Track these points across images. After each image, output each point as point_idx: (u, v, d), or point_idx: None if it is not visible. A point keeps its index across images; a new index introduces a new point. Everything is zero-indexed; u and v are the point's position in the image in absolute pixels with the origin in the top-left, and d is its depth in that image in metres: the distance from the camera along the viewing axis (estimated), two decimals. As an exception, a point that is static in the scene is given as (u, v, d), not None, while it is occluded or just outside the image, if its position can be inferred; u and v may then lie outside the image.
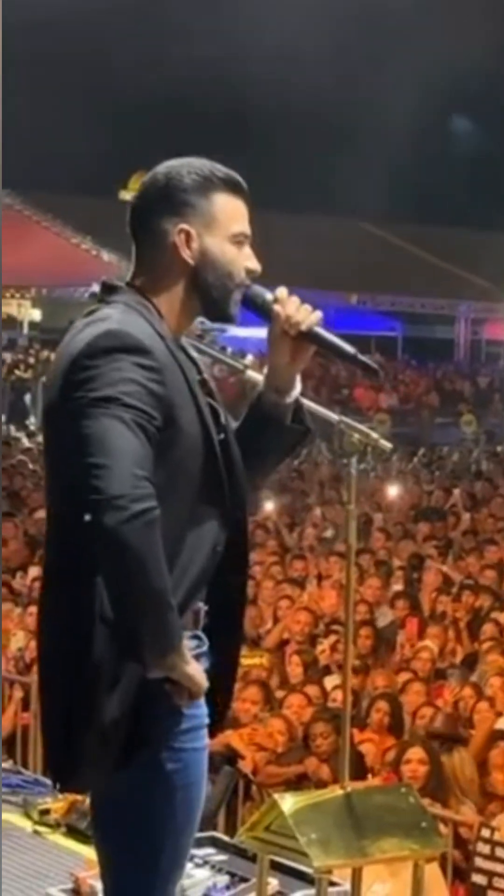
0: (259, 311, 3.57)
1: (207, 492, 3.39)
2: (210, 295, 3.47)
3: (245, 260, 3.49)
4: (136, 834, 3.40)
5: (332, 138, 44.01)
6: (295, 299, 3.57)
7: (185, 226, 3.42)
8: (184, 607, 3.34)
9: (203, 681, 3.33)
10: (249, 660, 9.41)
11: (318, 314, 3.59)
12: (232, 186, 3.49)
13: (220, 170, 3.49)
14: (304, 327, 3.56)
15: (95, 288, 4.73)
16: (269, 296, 3.56)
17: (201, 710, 3.43)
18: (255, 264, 3.51)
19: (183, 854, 3.52)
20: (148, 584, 3.16)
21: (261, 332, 3.70)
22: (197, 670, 3.31)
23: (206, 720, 3.47)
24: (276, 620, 11.37)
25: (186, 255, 3.43)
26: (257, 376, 4.63)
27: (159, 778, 3.37)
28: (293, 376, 3.62)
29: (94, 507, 3.13)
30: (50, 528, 3.47)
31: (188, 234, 3.42)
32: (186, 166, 3.45)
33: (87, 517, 3.15)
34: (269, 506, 16.67)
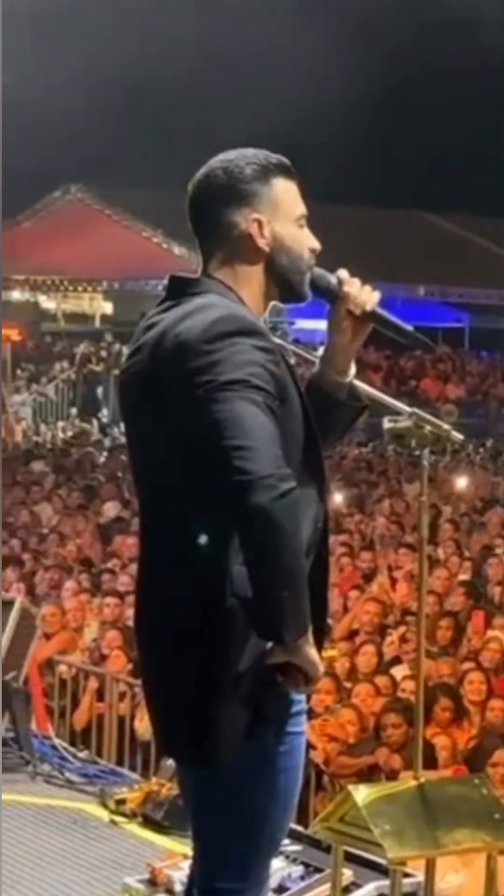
0: (322, 294, 3.65)
1: (308, 469, 3.46)
2: (287, 278, 3.55)
3: (308, 240, 3.58)
4: (239, 815, 3.45)
5: (401, 132, 43.90)
6: (357, 280, 3.67)
7: (256, 215, 3.49)
8: None
9: (322, 666, 3.37)
10: (325, 652, 9.44)
11: (378, 294, 3.68)
12: (286, 170, 3.55)
13: (273, 156, 3.54)
14: (369, 307, 3.66)
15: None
16: (332, 279, 3.65)
17: (302, 695, 3.49)
18: (316, 243, 3.60)
19: (280, 838, 3.57)
20: (292, 562, 3.21)
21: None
22: (317, 654, 3.35)
23: (305, 706, 3.53)
24: (345, 611, 11.40)
25: (262, 242, 3.50)
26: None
27: (267, 759, 3.43)
28: (352, 355, 3.71)
29: (241, 487, 3.17)
30: (156, 515, 3.49)
31: (260, 222, 3.49)
32: (242, 158, 3.52)
33: (230, 497, 3.18)
34: (337, 498, 16.68)
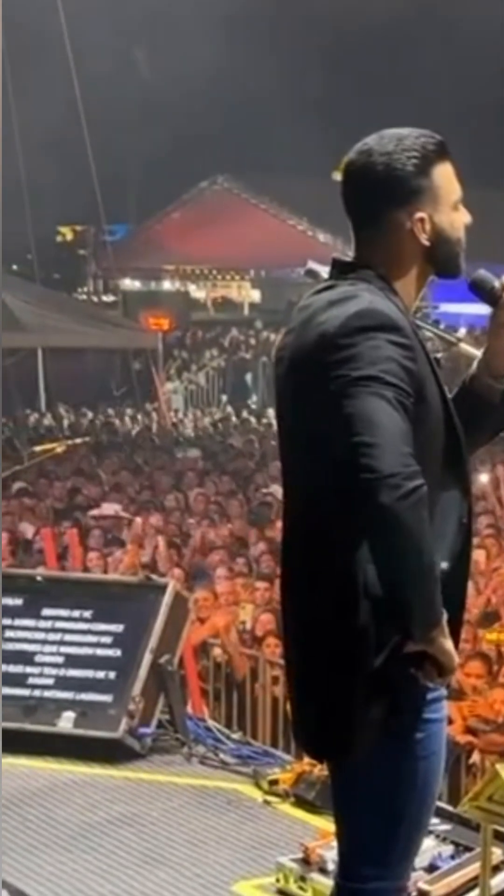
0: (485, 297, 3.59)
1: (450, 465, 3.45)
2: (444, 264, 3.52)
3: (463, 218, 3.53)
4: (377, 801, 3.46)
5: None
6: None
7: (421, 214, 3.45)
8: None
9: (456, 657, 3.38)
10: (495, 635, 9.44)
11: None
12: (442, 153, 3.50)
13: (430, 140, 3.49)
14: None
15: (313, 265, 4.79)
16: (497, 283, 3.58)
17: None
18: (468, 217, 3.54)
19: (423, 824, 3.57)
20: (420, 559, 3.23)
21: (472, 308, 3.74)
22: (452, 646, 3.36)
23: (446, 692, 3.53)
24: (478, 592, 11.29)
25: (424, 238, 3.47)
26: (471, 350, 4.66)
27: (405, 746, 3.44)
28: None
29: (367, 486, 3.18)
30: (298, 504, 3.52)
31: (423, 220, 3.46)
32: (402, 150, 3.45)
33: (358, 495, 3.19)
34: (482, 478, 16.49)
